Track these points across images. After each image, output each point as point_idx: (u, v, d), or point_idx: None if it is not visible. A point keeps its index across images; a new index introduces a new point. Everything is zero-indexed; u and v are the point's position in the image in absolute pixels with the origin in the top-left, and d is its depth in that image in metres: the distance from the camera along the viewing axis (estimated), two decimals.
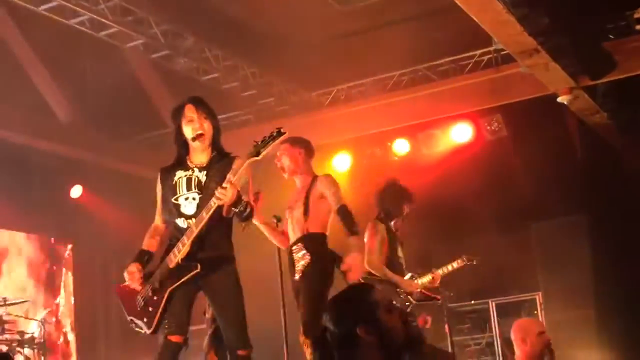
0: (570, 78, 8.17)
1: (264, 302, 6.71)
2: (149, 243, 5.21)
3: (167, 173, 5.22)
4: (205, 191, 4.99)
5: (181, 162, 5.21)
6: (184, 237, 4.92)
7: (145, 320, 5.05)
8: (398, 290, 7.31)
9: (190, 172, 5.15)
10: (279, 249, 6.53)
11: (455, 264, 7.83)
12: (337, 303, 2.94)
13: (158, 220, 5.26)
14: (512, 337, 5.40)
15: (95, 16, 8.70)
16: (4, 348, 8.60)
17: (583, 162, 9.91)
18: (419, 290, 7.46)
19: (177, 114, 5.18)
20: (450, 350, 8.17)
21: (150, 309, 4.99)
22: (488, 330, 9.95)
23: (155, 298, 4.98)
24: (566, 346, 8.47)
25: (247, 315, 4.99)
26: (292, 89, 11.09)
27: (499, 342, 9.73)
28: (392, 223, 7.52)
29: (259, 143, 4.88)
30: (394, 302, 6.85)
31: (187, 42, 9.70)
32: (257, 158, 4.83)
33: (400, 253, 7.49)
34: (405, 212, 7.54)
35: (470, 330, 10.08)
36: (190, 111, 5.12)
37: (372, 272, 7.19)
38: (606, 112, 9.17)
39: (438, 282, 7.69)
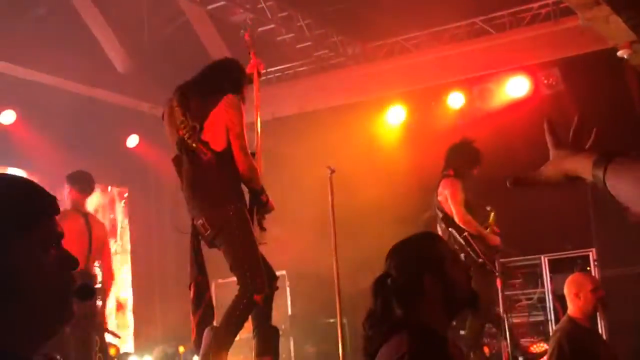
0: (631, 31, 8.00)
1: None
2: None
3: None
4: None
5: None
6: None
7: None
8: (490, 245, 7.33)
9: None
10: (332, 193, 6.58)
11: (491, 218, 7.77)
12: (402, 249, 2.90)
13: None
14: (566, 292, 5.40)
15: None
16: None
17: None
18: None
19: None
20: (501, 305, 8.19)
21: None
22: (540, 286, 9.92)
23: None
24: (619, 303, 8.42)
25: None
26: (347, 40, 11.04)
27: (550, 298, 9.71)
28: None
29: None
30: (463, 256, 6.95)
31: None
32: None
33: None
34: (474, 174, 7.49)
35: (522, 285, 10.07)
36: None
37: (465, 228, 7.22)
38: None
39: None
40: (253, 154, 5.22)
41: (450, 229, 7.24)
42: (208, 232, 4.95)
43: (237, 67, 5.39)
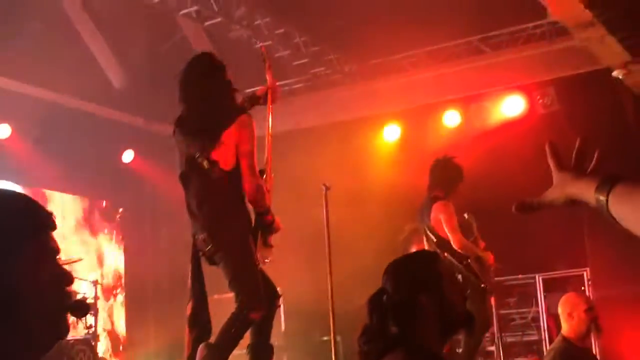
0: (625, 52, 8.04)
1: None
2: None
3: None
4: None
5: None
6: None
7: None
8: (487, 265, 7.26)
9: None
10: (327, 209, 6.55)
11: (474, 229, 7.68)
12: (399, 267, 2.89)
13: None
14: (560, 311, 5.40)
15: None
16: None
17: (636, 137, 9.76)
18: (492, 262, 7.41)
19: None
20: (495, 323, 8.18)
21: None
22: (534, 305, 9.92)
23: None
24: (613, 323, 8.41)
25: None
26: (343, 58, 11.07)
27: (544, 317, 9.70)
28: None
29: None
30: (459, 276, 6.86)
31: (239, 10, 9.72)
32: None
33: None
34: (459, 191, 7.43)
35: (516, 304, 10.06)
36: None
37: (461, 251, 7.10)
38: None
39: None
40: (263, 171, 5.22)
41: (446, 254, 7.10)
42: (209, 247, 4.93)
43: (221, 68, 5.31)
